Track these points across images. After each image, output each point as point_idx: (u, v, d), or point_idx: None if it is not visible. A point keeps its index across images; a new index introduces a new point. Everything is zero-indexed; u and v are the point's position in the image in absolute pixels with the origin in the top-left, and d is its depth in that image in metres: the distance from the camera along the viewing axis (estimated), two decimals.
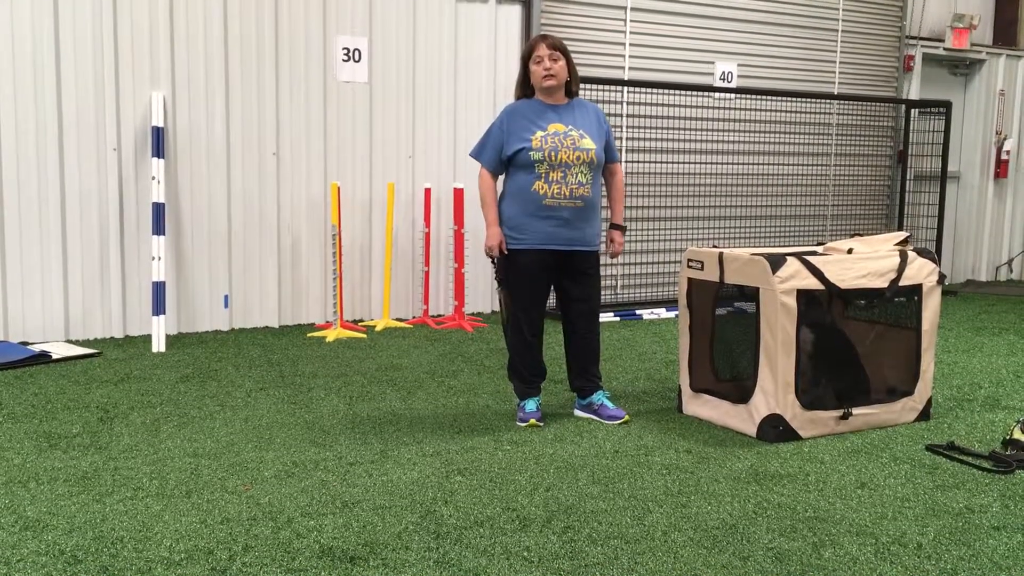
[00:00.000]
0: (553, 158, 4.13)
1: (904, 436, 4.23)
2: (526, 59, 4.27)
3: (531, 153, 4.14)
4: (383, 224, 7.04)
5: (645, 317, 7.54)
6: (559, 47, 4.22)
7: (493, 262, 4.34)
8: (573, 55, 4.36)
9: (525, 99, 4.33)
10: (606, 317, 7.24)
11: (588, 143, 4.20)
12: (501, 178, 4.35)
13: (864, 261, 4.25)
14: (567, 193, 4.17)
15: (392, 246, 6.99)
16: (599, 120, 4.34)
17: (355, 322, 6.95)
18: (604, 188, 4.54)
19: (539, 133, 4.17)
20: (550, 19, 7.50)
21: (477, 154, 4.35)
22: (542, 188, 4.16)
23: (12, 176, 5.89)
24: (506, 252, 4.25)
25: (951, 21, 9.52)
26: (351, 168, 6.92)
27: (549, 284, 4.35)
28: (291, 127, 6.69)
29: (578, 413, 4.51)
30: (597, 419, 4.43)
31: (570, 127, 4.21)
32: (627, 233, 7.92)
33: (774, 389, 4.08)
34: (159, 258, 6.07)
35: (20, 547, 2.90)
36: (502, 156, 4.24)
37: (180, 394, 4.83)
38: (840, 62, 8.93)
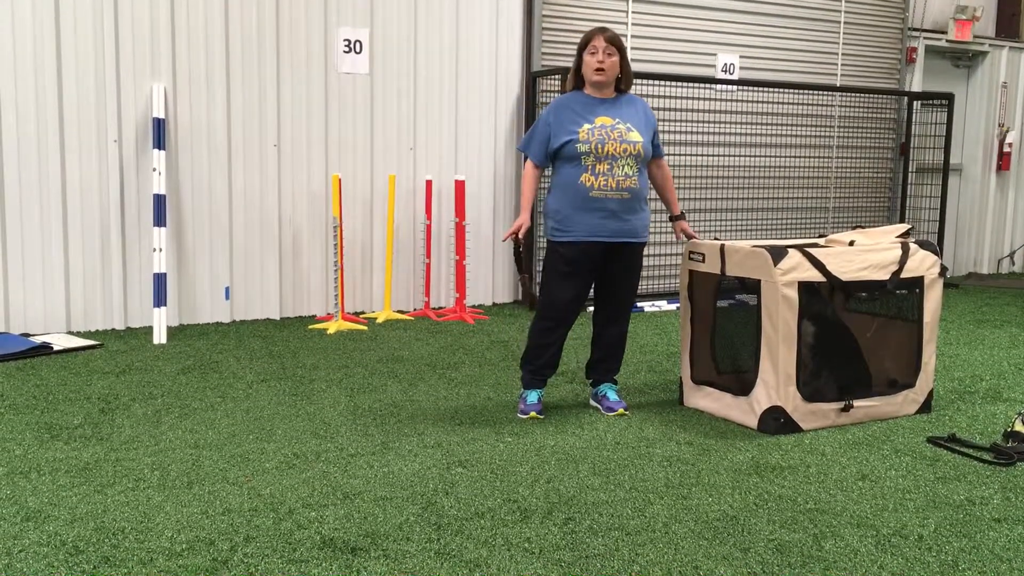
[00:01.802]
0: (600, 150, 4.14)
1: (905, 428, 4.23)
2: (582, 49, 4.27)
3: (578, 145, 4.15)
4: (384, 216, 7.04)
5: (646, 309, 7.53)
6: (616, 43, 4.22)
7: (519, 248, 4.37)
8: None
9: (575, 91, 4.33)
10: None
11: (635, 136, 4.20)
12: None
13: (866, 253, 4.24)
14: (613, 185, 4.17)
15: (393, 238, 6.99)
16: (647, 115, 4.34)
17: (356, 314, 6.95)
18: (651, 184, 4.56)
19: (586, 126, 4.18)
20: (552, 10, 7.48)
21: (525, 147, 4.39)
22: (588, 180, 4.17)
23: (13, 167, 5.89)
24: (522, 240, 4.31)
25: (954, 13, 9.49)
26: (352, 160, 6.92)
27: (592, 279, 4.35)
28: (292, 119, 6.68)
29: (592, 403, 4.56)
30: (599, 408, 4.46)
31: (617, 120, 4.22)
32: None
33: (775, 381, 4.08)
34: (160, 250, 6.07)
35: (22, 538, 2.91)
36: (549, 149, 4.26)
37: (181, 386, 4.83)
38: (842, 54, 8.91)
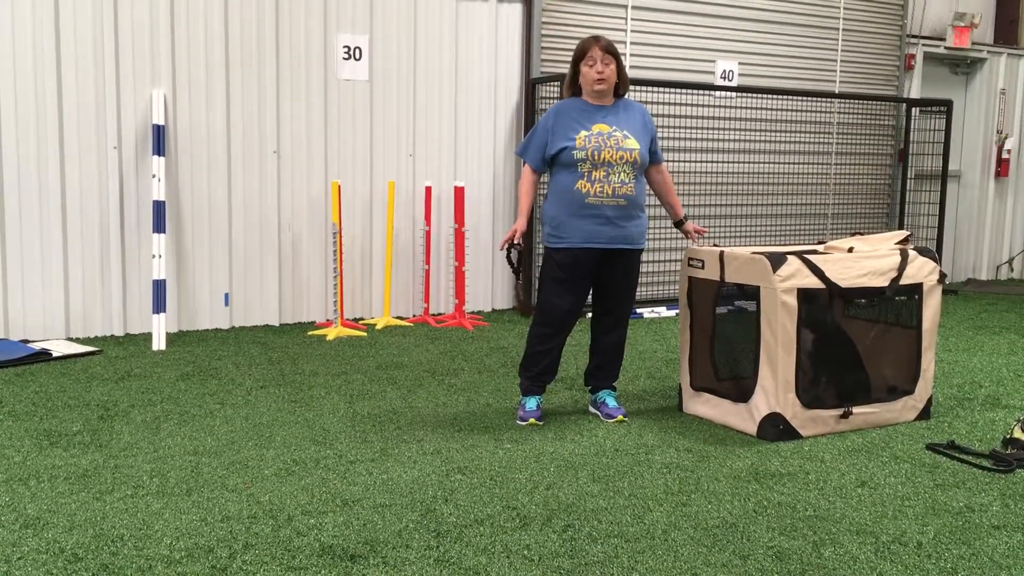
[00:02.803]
0: (596, 157, 4.14)
1: (904, 435, 4.23)
2: (577, 59, 4.26)
3: (574, 152, 4.15)
4: (384, 222, 7.04)
5: (646, 316, 7.54)
6: (611, 51, 4.22)
7: (509, 253, 4.36)
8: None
9: (573, 98, 4.33)
10: None
11: (632, 143, 4.20)
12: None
13: (865, 260, 4.25)
14: (609, 192, 4.17)
15: (393, 244, 6.99)
16: (644, 121, 4.34)
17: (356, 320, 6.95)
18: (650, 190, 4.53)
19: (583, 133, 4.18)
20: (551, 17, 7.50)
21: (522, 152, 4.39)
22: (585, 187, 4.17)
23: (13, 174, 5.90)
24: (520, 243, 4.29)
25: (952, 20, 9.51)
26: (352, 166, 6.92)
27: (588, 286, 4.34)
28: (292, 125, 6.69)
29: (591, 409, 4.56)
30: (599, 415, 4.46)
31: (614, 128, 4.22)
32: None
33: (774, 388, 4.08)
34: (160, 256, 6.07)
35: (20, 545, 2.90)
36: (546, 155, 4.26)
37: (180, 392, 4.83)
38: (841, 61, 8.93)
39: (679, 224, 4.61)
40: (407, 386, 5.04)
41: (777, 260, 4.04)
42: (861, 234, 4.82)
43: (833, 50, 8.88)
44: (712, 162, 8.31)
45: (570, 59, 4.36)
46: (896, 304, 4.38)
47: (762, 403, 4.12)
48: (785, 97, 8.52)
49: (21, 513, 3.15)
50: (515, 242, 4.31)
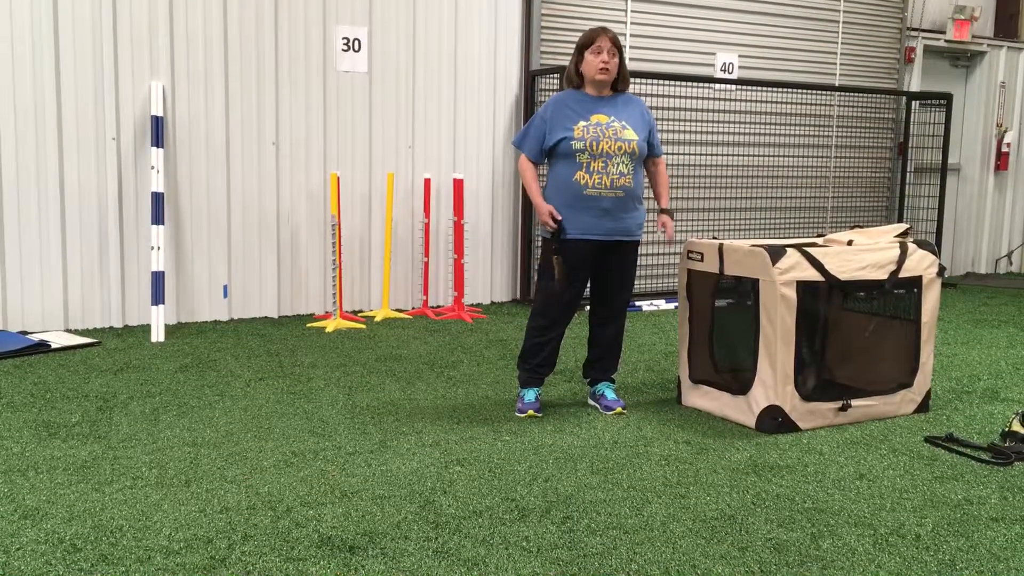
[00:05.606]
0: (594, 148, 4.14)
1: (903, 428, 4.24)
2: (583, 47, 4.24)
3: (572, 142, 4.15)
4: (383, 214, 7.04)
5: (645, 308, 7.54)
6: (617, 44, 4.22)
7: (551, 244, 4.25)
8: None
9: (572, 90, 4.32)
10: None
11: (630, 134, 4.19)
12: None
13: (864, 253, 4.24)
14: (608, 183, 4.16)
15: (392, 236, 6.99)
16: (643, 114, 4.33)
17: (354, 312, 6.95)
18: (647, 180, 4.49)
19: (581, 123, 4.17)
20: (551, 9, 7.48)
21: (519, 143, 4.38)
22: (583, 178, 4.16)
23: (11, 165, 5.88)
24: (559, 218, 4.16)
25: (952, 13, 9.49)
26: (351, 158, 6.91)
27: (587, 278, 4.34)
28: (291, 117, 6.68)
29: (590, 402, 4.56)
30: (597, 407, 4.46)
31: (612, 118, 4.21)
32: None
33: (773, 380, 4.08)
34: (158, 248, 6.06)
35: (19, 535, 2.91)
36: (544, 146, 4.25)
37: (179, 384, 4.83)
38: (841, 54, 8.91)
39: (661, 213, 4.45)
40: (406, 378, 5.05)
41: (776, 253, 4.04)
42: (861, 227, 4.82)
43: (833, 43, 8.87)
44: (712, 155, 8.30)
45: (570, 52, 4.35)
46: (895, 297, 4.38)
47: (761, 396, 4.13)
48: (785, 90, 8.51)
49: (20, 504, 3.16)
50: (559, 218, 4.18)
